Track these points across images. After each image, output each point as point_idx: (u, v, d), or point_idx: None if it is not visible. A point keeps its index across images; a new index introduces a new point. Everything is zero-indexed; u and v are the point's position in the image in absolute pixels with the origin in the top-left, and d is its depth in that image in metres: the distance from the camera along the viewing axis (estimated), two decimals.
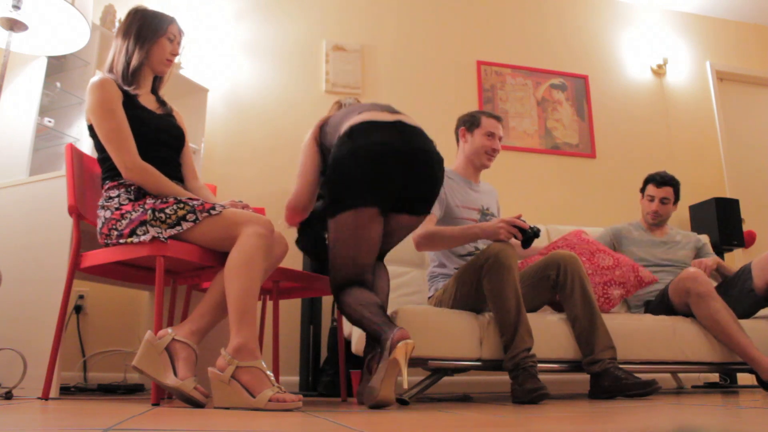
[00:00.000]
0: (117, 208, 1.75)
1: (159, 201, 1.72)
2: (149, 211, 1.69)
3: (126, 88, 1.85)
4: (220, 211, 1.67)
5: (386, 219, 1.85)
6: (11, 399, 1.74)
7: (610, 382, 2.04)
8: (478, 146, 2.48)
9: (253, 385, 1.45)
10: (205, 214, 1.67)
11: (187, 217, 1.67)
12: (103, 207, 1.79)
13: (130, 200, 1.76)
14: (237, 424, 1.02)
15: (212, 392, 1.48)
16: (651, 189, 2.97)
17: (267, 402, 1.41)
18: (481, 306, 2.20)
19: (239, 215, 1.66)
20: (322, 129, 2.00)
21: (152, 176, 1.77)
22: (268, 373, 1.48)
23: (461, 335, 2.14)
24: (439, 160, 1.85)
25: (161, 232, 1.66)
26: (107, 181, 1.82)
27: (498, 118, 2.53)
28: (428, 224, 2.26)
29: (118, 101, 1.80)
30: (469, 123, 2.53)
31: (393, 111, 1.87)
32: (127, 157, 1.75)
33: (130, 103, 1.84)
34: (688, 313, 2.56)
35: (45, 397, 1.76)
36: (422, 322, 2.11)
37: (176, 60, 2.06)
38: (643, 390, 1.97)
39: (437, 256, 2.47)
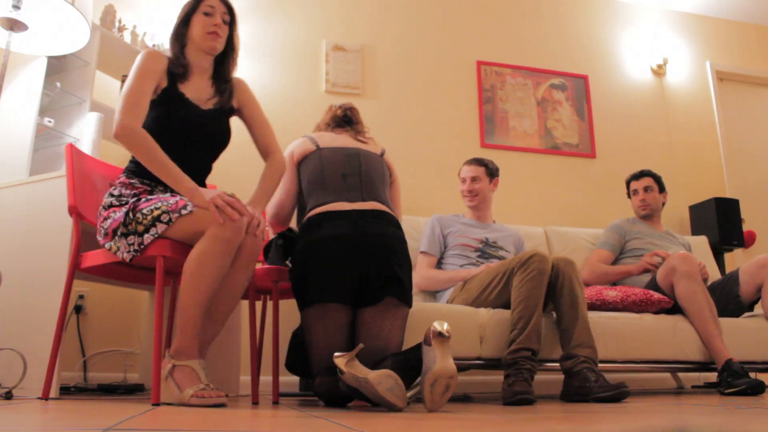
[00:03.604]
0: (108, 206, 1.74)
1: (143, 200, 1.69)
2: (125, 213, 1.66)
3: (177, 71, 1.79)
4: (191, 211, 1.62)
5: (356, 314, 1.87)
6: (11, 399, 1.74)
7: (580, 383, 2.00)
8: (462, 192, 2.84)
9: (183, 382, 1.56)
10: (176, 215, 1.62)
11: (161, 217, 1.63)
12: (104, 201, 1.78)
13: (121, 203, 1.73)
14: (237, 424, 1.02)
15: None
16: (633, 184, 3.20)
17: (189, 398, 1.52)
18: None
19: (206, 218, 1.60)
20: (303, 159, 2.08)
21: (144, 146, 1.66)
22: (200, 372, 1.58)
23: (461, 334, 2.14)
24: (392, 244, 1.86)
25: (130, 245, 1.66)
26: (121, 176, 1.80)
27: (469, 161, 2.85)
28: (427, 267, 2.64)
29: (154, 75, 1.75)
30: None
31: (354, 199, 1.91)
32: (126, 116, 1.66)
33: (170, 94, 1.78)
34: (674, 301, 2.57)
35: (45, 397, 1.76)
36: (421, 322, 2.11)
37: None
38: (610, 393, 1.91)
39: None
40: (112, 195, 1.77)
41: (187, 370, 1.57)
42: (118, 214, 1.70)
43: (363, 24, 3.77)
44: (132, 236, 1.66)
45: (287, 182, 2.09)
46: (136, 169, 1.79)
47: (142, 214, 1.65)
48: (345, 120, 2.19)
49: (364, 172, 2.00)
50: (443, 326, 1.54)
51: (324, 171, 1.99)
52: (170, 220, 1.62)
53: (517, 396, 1.79)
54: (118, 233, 1.68)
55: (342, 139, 2.09)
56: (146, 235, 1.64)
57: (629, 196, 3.24)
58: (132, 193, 1.76)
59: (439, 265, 2.69)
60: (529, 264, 2.10)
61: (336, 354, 1.56)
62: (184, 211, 1.62)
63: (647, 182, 3.15)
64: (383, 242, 1.85)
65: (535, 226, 3.42)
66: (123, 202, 1.74)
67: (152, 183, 1.78)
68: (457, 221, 2.77)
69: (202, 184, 1.91)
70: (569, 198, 3.86)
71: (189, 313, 1.59)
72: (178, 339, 1.60)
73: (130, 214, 1.67)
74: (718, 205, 3.66)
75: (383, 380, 1.49)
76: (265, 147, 1.98)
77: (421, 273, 2.63)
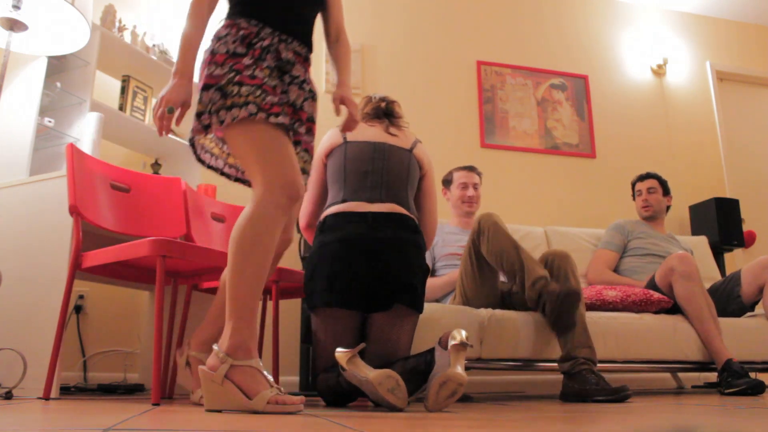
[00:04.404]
0: (213, 52, 1.56)
1: (255, 66, 1.51)
2: (231, 74, 1.49)
3: None
4: (275, 124, 1.46)
5: (367, 317, 1.85)
6: (11, 399, 1.74)
7: (580, 385, 1.99)
8: (456, 198, 2.83)
9: (249, 386, 1.33)
10: (263, 114, 1.44)
11: (249, 107, 1.45)
12: (210, 44, 1.62)
13: (228, 51, 1.55)
14: (237, 424, 1.02)
15: (204, 393, 1.37)
16: (638, 185, 3.25)
17: (265, 404, 1.31)
18: (489, 299, 2.28)
19: (274, 163, 1.43)
20: (331, 153, 2.04)
21: (203, 19, 1.62)
22: (265, 372, 1.38)
23: None
24: (406, 249, 1.83)
25: (212, 102, 1.48)
26: (224, 18, 1.67)
27: (469, 168, 2.85)
28: None
29: None
30: (445, 182, 2.92)
31: (373, 199, 1.88)
32: None
33: None
34: (674, 301, 2.57)
35: (46, 397, 1.76)
36: (421, 322, 2.12)
37: None
38: (612, 396, 1.90)
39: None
40: (218, 38, 1.60)
41: (251, 372, 1.34)
42: (223, 70, 1.51)
43: (363, 24, 3.77)
44: (221, 98, 1.48)
45: (314, 184, 2.06)
46: (242, 9, 1.63)
47: (240, 93, 1.47)
48: (386, 113, 2.11)
49: (386, 171, 1.95)
50: (462, 335, 1.54)
51: (346, 167, 1.96)
52: (253, 113, 1.44)
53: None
54: (214, 87, 1.50)
55: (372, 132, 2.02)
56: (224, 112, 1.46)
57: (634, 198, 3.27)
58: (237, 32, 1.59)
59: (432, 276, 2.70)
60: (482, 230, 2.18)
61: (338, 350, 1.55)
62: (273, 119, 1.45)
63: (651, 184, 3.19)
64: (397, 247, 1.82)
65: (535, 226, 3.43)
66: (228, 48, 1.55)
67: (259, 24, 1.61)
68: (440, 231, 2.78)
69: (310, 42, 1.70)
70: (569, 198, 3.86)
71: (252, 295, 1.37)
72: (231, 333, 1.36)
73: (235, 75, 1.49)
74: (718, 205, 3.66)
75: (384, 381, 1.49)
76: (337, 25, 1.85)
77: None
